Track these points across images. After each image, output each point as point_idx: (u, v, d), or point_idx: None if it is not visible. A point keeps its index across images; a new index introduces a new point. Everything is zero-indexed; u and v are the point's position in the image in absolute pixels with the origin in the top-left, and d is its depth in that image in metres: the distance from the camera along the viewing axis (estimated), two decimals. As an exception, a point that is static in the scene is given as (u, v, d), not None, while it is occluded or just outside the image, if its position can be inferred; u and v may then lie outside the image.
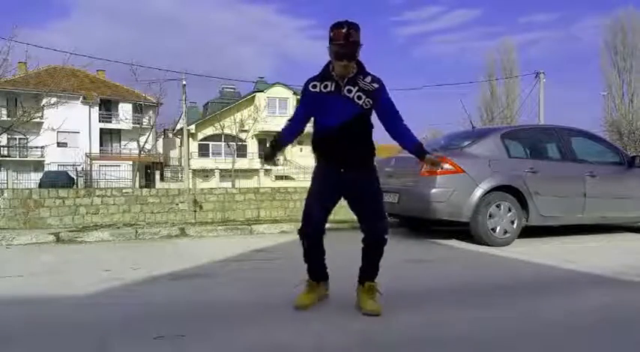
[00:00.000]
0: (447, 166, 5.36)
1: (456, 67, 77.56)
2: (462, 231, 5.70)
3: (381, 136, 3.07)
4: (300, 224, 2.88)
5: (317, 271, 2.93)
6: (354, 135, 2.72)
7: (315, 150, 2.86)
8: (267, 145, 2.86)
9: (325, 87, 2.69)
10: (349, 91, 2.66)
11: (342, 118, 2.67)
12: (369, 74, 2.71)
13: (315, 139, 2.83)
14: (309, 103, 2.79)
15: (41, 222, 9.70)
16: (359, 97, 2.66)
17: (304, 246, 2.87)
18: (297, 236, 2.89)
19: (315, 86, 2.72)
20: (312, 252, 2.87)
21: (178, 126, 37.09)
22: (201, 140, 38.62)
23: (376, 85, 2.69)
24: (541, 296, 3.26)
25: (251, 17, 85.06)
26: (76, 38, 67.07)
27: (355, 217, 2.89)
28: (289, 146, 2.87)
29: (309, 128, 2.78)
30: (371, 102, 2.69)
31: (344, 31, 2.51)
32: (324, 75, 2.71)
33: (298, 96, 21.58)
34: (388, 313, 2.77)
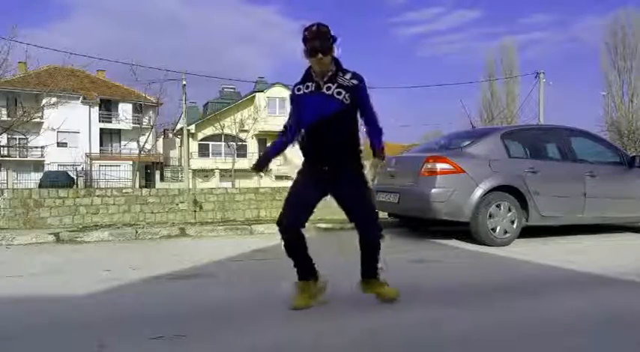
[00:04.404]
0: (447, 166, 5.37)
1: (456, 67, 77.57)
2: (462, 231, 5.70)
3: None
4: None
5: (302, 268, 2.88)
6: (336, 131, 2.75)
7: (300, 149, 2.88)
8: (258, 157, 2.90)
9: (307, 88, 2.78)
10: (328, 88, 2.72)
11: (322, 114, 2.71)
12: (348, 71, 2.77)
13: (300, 138, 2.85)
14: (296, 108, 2.85)
15: (41, 222, 9.69)
16: (338, 93, 2.71)
17: (283, 240, 2.82)
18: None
19: (299, 89, 2.82)
20: (291, 248, 2.82)
21: (178, 126, 37.06)
22: (201, 140, 38.62)
23: (355, 82, 2.74)
24: (541, 296, 3.26)
25: (251, 17, 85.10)
26: (76, 38, 67.03)
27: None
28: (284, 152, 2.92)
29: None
30: (350, 97, 2.72)
31: (313, 28, 2.64)
32: (305, 77, 2.80)
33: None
34: (388, 313, 2.77)
